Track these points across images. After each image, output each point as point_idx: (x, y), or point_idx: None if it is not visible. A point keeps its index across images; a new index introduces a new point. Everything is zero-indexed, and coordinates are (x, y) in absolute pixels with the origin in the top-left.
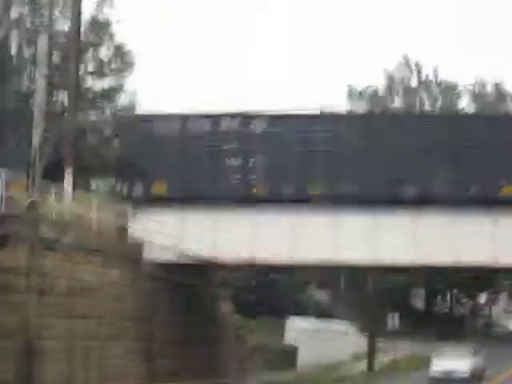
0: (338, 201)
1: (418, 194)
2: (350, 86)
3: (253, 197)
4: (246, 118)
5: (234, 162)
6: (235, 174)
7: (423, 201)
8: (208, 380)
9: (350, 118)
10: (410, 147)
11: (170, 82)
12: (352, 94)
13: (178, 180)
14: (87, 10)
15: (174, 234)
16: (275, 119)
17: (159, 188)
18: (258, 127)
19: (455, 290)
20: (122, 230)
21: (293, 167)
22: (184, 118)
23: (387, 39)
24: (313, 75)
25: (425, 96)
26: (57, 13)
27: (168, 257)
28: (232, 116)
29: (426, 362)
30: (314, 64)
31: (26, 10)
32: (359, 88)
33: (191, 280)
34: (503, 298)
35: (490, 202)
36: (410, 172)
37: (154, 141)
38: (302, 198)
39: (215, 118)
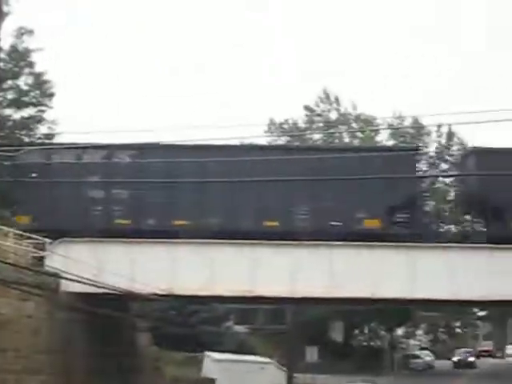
0: (203, 233)
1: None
2: (270, 118)
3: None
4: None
5: (97, 193)
6: (97, 205)
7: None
8: None
9: (219, 148)
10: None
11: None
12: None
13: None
14: (7, 39)
15: (91, 265)
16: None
17: (23, 219)
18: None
19: (373, 324)
20: (39, 262)
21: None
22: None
23: (307, 74)
24: (234, 109)
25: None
26: None
27: (85, 288)
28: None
29: None
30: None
31: None
32: (279, 120)
33: (109, 311)
34: (421, 330)
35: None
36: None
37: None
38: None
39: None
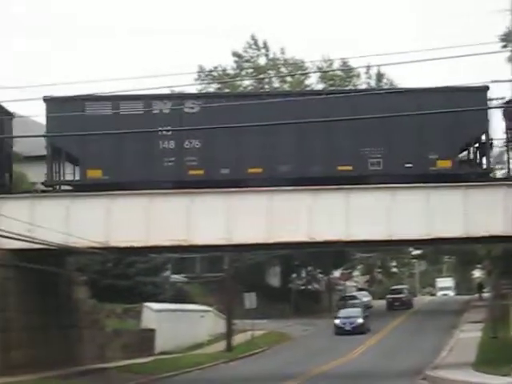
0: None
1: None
2: (200, 66)
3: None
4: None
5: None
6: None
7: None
8: (65, 369)
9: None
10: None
11: None
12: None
13: None
14: None
15: (25, 221)
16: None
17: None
18: None
19: (310, 267)
20: None
21: None
22: None
23: (236, 20)
24: (164, 58)
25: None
26: None
27: (20, 244)
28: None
29: (284, 337)
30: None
31: None
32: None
33: (45, 266)
34: (357, 272)
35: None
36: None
37: None
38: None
39: None
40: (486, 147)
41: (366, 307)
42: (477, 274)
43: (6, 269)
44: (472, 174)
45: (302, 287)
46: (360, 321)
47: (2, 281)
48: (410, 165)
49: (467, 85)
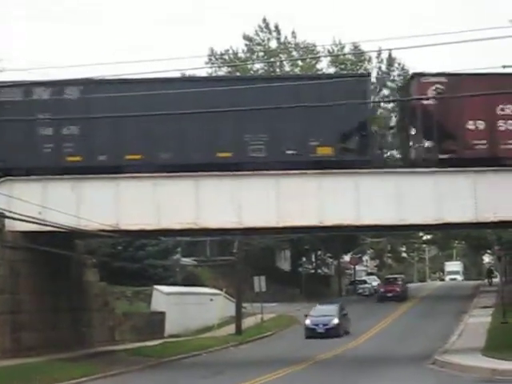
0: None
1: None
2: (211, 49)
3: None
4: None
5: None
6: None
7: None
8: (75, 351)
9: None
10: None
11: None
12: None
13: None
14: None
15: (36, 203)
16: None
17: None
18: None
19: (320, 251)
20: None
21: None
22: None
23: (246, 2)
24: (174, 41)
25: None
26: None
27: (31, 227)
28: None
29: (293, 321)
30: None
31: None
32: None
33: (56, 249)
34: (367, 257)
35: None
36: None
37: None
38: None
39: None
40: (369, 134)
41: (376, 292)
42: (486, 259)
43: (18, 251)
44: (356, 162)
45: (312, 271)
46: (335, 321)
47: (13, 263)
48: (291, 152)
49: (351, 72)
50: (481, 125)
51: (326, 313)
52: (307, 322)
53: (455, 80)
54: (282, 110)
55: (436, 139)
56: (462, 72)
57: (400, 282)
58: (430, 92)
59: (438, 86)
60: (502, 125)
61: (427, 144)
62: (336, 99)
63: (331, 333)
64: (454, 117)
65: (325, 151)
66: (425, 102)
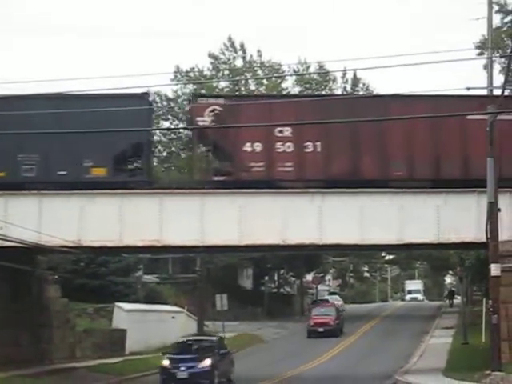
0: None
1: None
2: (176, 66)
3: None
4: None
5: None
6: None
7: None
8: (35, 367)
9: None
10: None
11: None
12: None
13: None
14: None
15: None
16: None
17: None
18: None
19: (283, 270)
20: None
21: None
22: None
23: (212, 21)
24: (140, 58)
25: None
26: None
27: None
28: None
29: (255, 339)
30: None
31: None
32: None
33: (17, 264)
34: (329, 276)
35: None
36: None
37: None
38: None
39: None
40: (147, 154)
41: (338, 312)
42: (448, 280)
43: None
44: (130, 182)
45: (274, 290)
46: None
47: None
48: (63, 172)
49: (131, 91)
50: (258, 147)
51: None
52: (165, 363)
53: (232, 101)
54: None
55: (213, 161)
56: (241, 94)
57: (332, 313)
58: (207, 114)
59: (216, 107)
60: (279, 147)
61: (205, 166)
62: (114, 119)
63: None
64: (232, 139)
65: (99, 172)
66: (201, 123)
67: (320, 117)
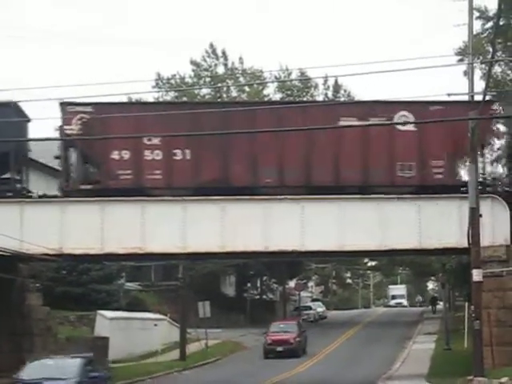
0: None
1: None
2: (157, 73)
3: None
4: None
5: None
6: None
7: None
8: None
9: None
10: None
11: None
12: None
13: None
14: None
15: None
16: None
17: None
18: None
19: (265, 277)
20: None
21: None
22: None
23: (194, 28)
24: (122, 65)
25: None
26: None
27: None
28: None
29: (237, 346)
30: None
31: None
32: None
33: None
34: (312, 283)
35: None
36: None
37: None
38: None
39: None
40: (16, 164)
41: (320, 318)
42: (431, 285)
43: None
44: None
45: (257, 297)
46: None
47: None
48: None
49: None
50: (126, 155)
51: None
52: None
53: (101, 109)
54: None
55: (80, 169)
56: (111, 102)
57: (293, 330)
58: (75, 122)
59: (83, 115)
60: (148, 155)
61: (73, 174)
62: None
63: None
64: (99, 147)
65: None
66: (69, 131)
67: (189, 125)
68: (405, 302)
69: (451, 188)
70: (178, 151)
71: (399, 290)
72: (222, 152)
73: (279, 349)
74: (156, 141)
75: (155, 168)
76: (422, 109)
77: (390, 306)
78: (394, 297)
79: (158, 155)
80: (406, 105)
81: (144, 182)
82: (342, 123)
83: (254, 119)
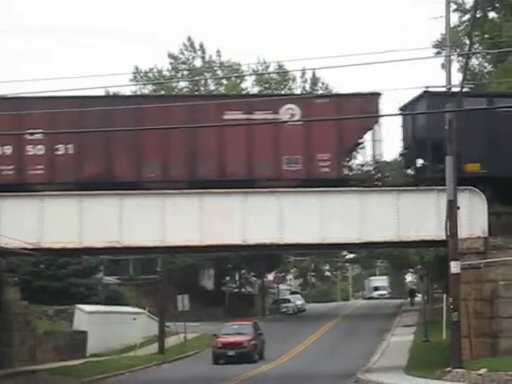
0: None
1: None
2: (135, 67)
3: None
4: None
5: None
6: None
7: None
8: None
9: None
10: None
11: None
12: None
13: None
14: None
15: None
16: None
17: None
18: None
19: (244, 270)
20: None
21: None
22: None
23: (172, 21)
24: (100, 58)
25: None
26: None
27: None
28: None
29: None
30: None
31: None
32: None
33: None
34: (290, 276)
35: None
36: None
37: None
38: None
39: None
40: None
41: (299, 310)
42: (409, 278)
43: None
44: None
45: (236, 290)
46: None
47: None
48: None
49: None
50: (8, 150)
51: None
52: None
53: None
54: None
55: None
56: None
57: (247, 332)
58: None
59: None
60: (30, 149)
61: None
62: None
63: None
64: None
65: None
66: None
67: (74, 119)
68: (387, 293)
69: (337, 181)
70: (60, 146)
71: (381, 281)
72: (105, 147)
73: (231, 353)
74: (38, 135)
75: (37, 163)
76: (308, 102)
77: (371, 298)
78: (376, 288)
79: (40, 150)
80: (292, 98)
81: (26, 178)
82: (226, 117)
83: (140, 111)
